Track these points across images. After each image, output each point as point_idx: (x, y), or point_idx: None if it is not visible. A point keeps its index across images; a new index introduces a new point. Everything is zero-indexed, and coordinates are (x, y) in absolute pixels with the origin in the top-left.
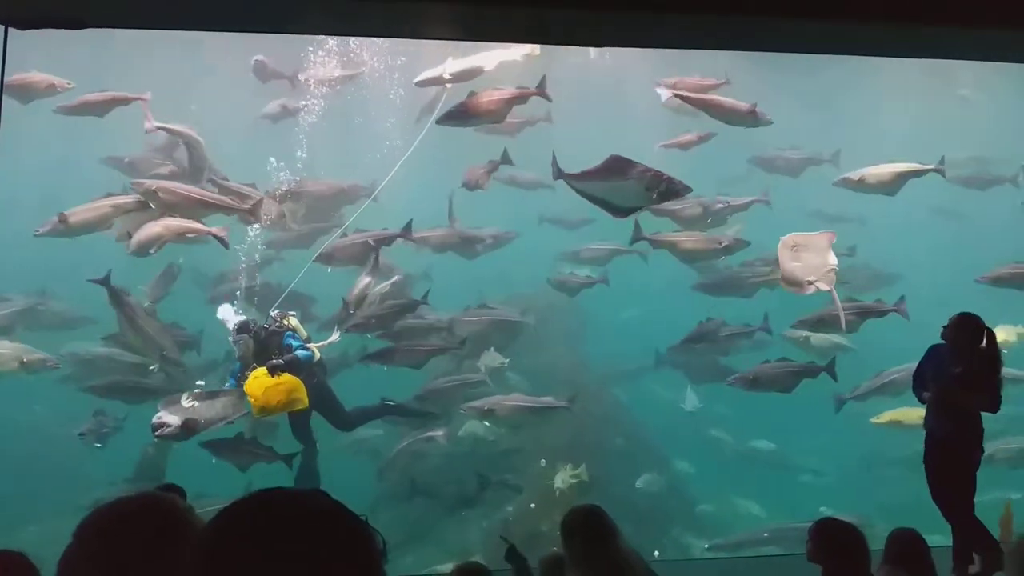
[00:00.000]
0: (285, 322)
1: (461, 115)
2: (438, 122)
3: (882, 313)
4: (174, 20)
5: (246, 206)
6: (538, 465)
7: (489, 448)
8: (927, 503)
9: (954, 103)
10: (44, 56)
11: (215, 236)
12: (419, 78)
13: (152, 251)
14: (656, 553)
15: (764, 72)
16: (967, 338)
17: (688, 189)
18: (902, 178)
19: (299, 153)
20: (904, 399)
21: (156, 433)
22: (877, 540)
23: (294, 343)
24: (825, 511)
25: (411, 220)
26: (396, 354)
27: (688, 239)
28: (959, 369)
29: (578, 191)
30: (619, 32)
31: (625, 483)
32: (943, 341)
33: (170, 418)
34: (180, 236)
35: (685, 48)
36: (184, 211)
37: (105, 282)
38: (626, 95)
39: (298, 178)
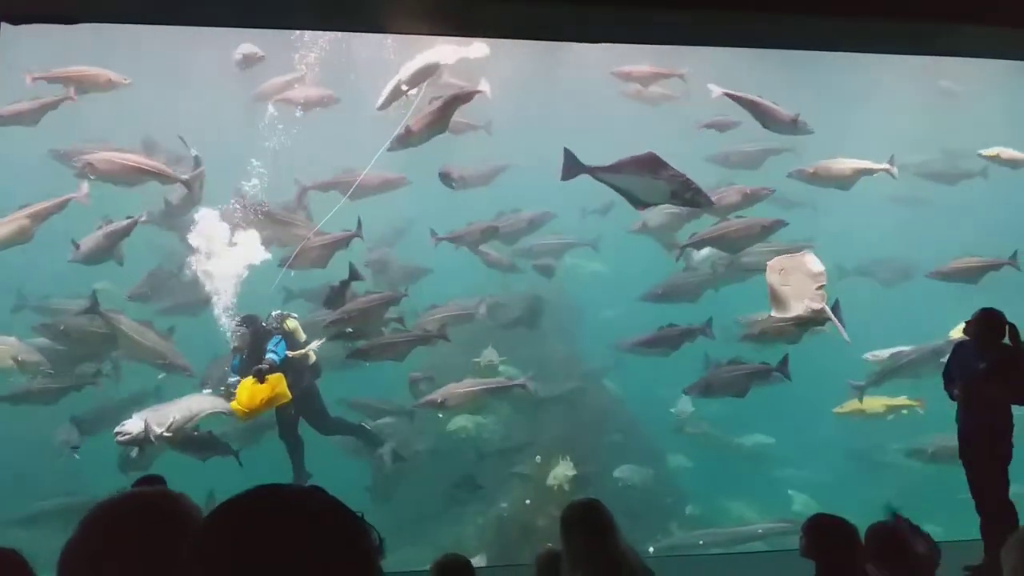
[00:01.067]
0: (285, 324)
1: (406, 138)
2: (388, 149)
3: (766, 375)
4: (166, 15)
5: (184, 176)
6: (533, 461)
7: (484, 445)
8: (914, 497)
9: (935, 95)
10: (37, 51)
11: (74, 199)
12: (379, 103)
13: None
14: (651, 549)
15: (736, 65)
16: (990, 333)
17: (711, 203)
18: (856, 174)
19: (278, 145)
20: (922, 381)
21: (117, 439)
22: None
23: (269, 347)
24: (796, 496)
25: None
26: (379, 348)
27: (731, 229)
28: (984, 364)
29: (602, 180)
30: (614, 28)
31: (619, 478)
32: (967, 337)
33: (133, 425)
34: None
35: (683, 44)
36: (121, 179)
37: (94, 308)
38: (586, 89)
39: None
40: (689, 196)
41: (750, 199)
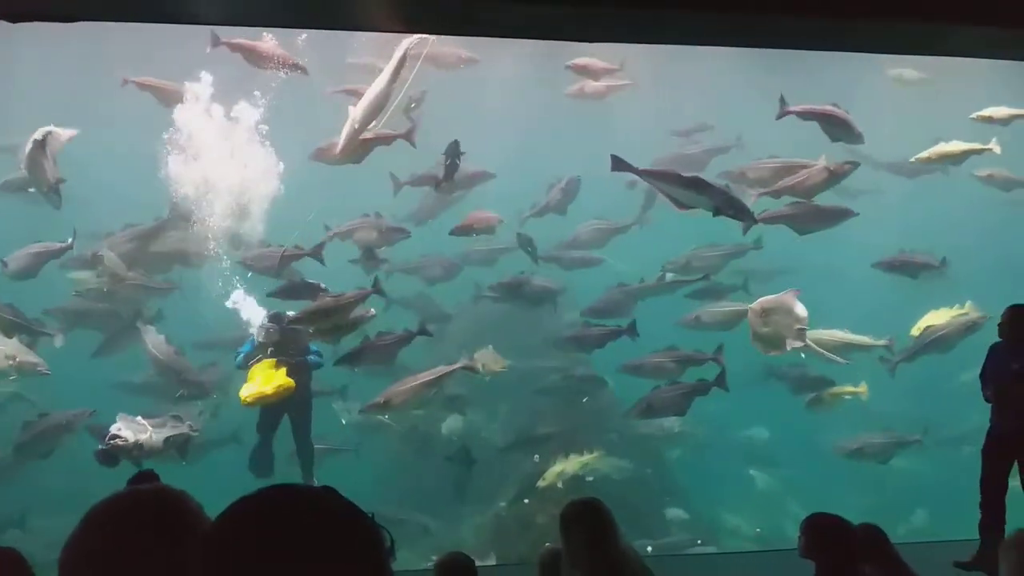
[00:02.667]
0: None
1: (324, 156)
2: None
3: (700, 362)
4: (166, 14)
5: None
6: (531, 460)
7: (484, 445)
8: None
9: (889, 87)
10: (35, 49)
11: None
12: (338, 149)
13: None
14: (649, 548)
15: (687, 62)
16: (1021, 331)
17: (754, 220)
18: (788, 172)
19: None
20: (952, 355)
21: (108, 443)
22: None
23: (312, 347)
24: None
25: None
26: (367, 352)
27: (803, 210)
28: (1017, 365)
29: (647, 181)
30: (614, 28)
31: (619, 478)
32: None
33: (126, 432)
34: None
35: (683, 44)
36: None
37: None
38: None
39: None
40: (731, 215)
41: (835, 176)
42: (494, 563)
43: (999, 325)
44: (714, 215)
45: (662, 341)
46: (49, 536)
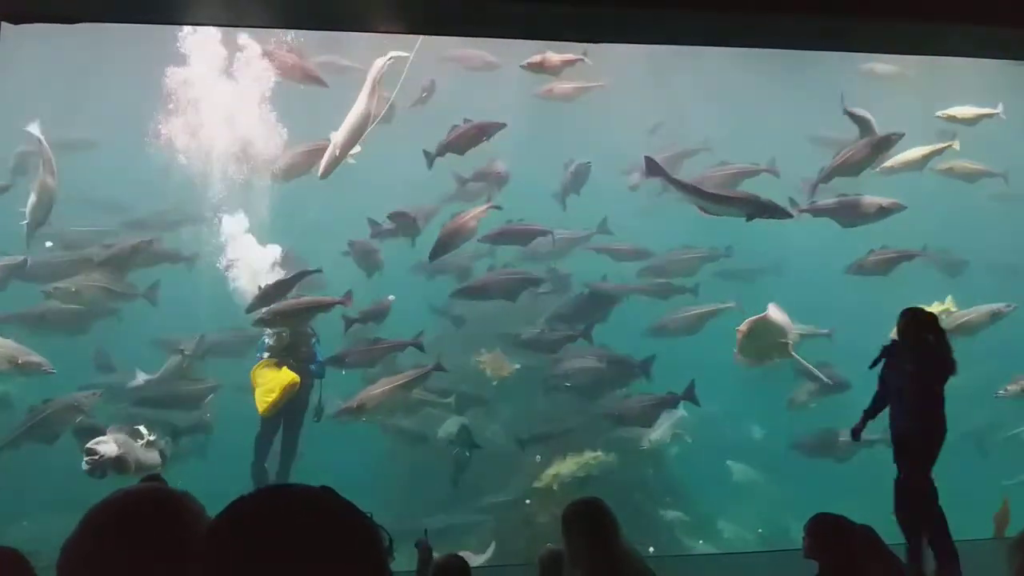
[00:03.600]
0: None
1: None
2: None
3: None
4: (169, 14)
5: None
6: (532, 461)
7: (484, 445)
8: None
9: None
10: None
11: None
12: (320, 172)
13: None
14: (651, 549)
15: (651, 61)
16: (916, 333)
17: (789, 215)
18: (736, 179)
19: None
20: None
21: (89, 457)
22: None
23: (318, 355)
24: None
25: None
26: (354, 355)
27: (850, 204)
28: (912, 367)
29: (677, 189)
30: (614, 28)
31: (619, 478)
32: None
33: (107, 448)
34: None
35: (683, 44)
36: None
37: None
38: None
39: None
40: (767, 215)
41: (879, 148)
42: (492, 554)
43: (898, 327)
44: (748, 220)
45: (629, 347)
46: (54, 532)
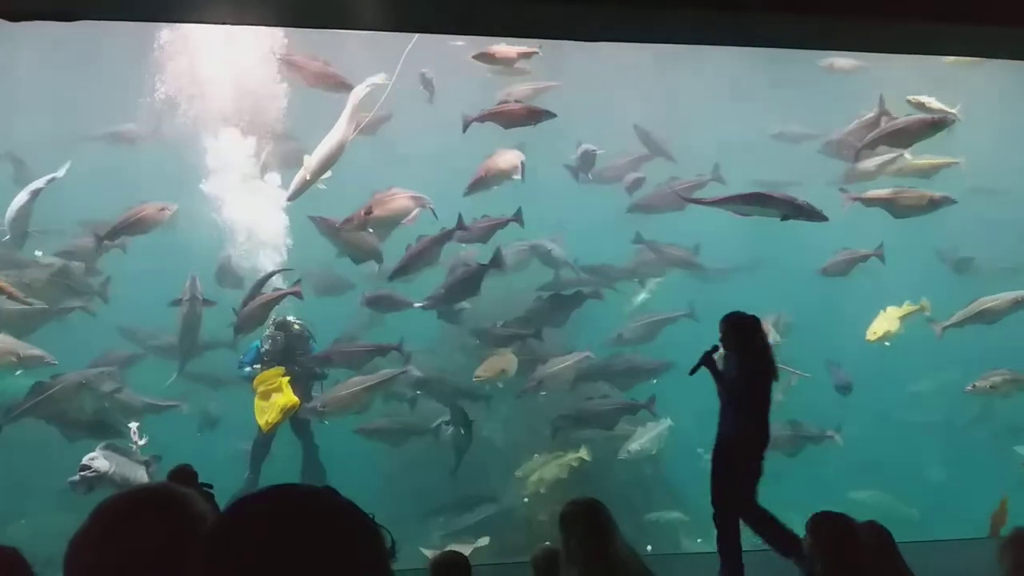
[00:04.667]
0: (294, 328)
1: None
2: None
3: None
4: (166, 12)
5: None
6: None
7: (483, 444)
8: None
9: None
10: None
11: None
12: (288, 195)
13: None
14: (649, 547)
15: (602, 63)
16: (736, 339)
17: (824, 218)
18: (689, 191)
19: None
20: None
21: (81, 473)
22: None
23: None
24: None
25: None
26: (334, 357)
27: (904, 195)
28: (736, 372)
29: (720, 207)
30: (614, 27)
31: (617, 476)
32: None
33: (100, 464)
34: None
35: (683, 44)
36: None
37: None
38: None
39: None
40: (804, 217)
41: (935, 127)
42: (486, 544)
43: (720, 332)
44: (782, 219)
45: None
46: (53, 532)
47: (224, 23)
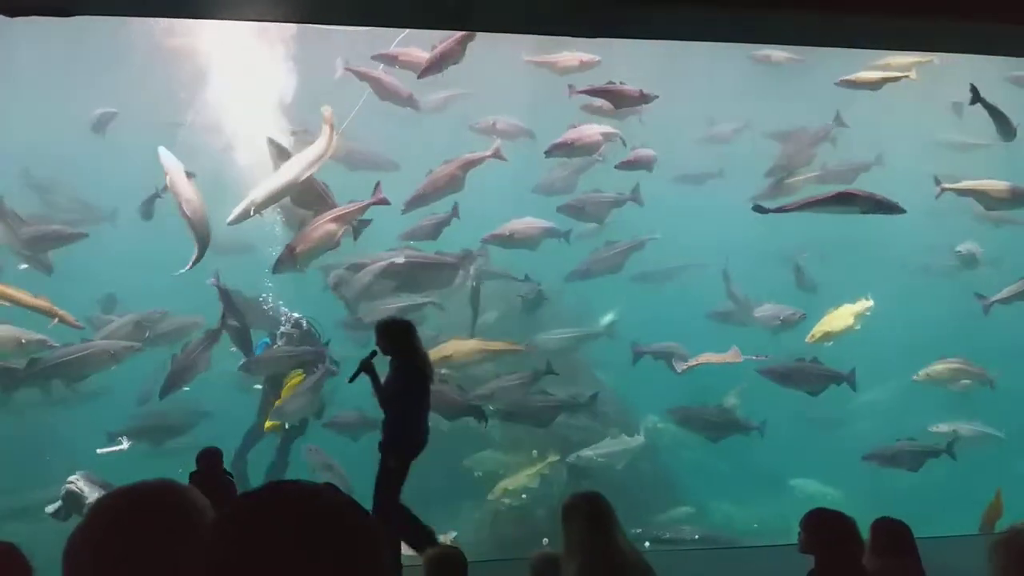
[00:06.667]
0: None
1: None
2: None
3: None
4: (161, 7)
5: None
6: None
7: (481, 442)
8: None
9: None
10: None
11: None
12: (230, 218)
13: None
14: (647, 543)
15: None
16: (387, 342)
17: (903, 211)
18: (610, 205)
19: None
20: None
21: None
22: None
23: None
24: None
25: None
26: (259, 364)
27: (996, 188)
28: (390, 375)
29: (800, 210)
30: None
31: (617, 472)
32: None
33: (87, 486)
34: None
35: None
36: None
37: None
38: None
39: None
40: (884, 211)
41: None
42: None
43: (376, 338)
44: (862, 213)
45: None
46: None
47: (220, 18)
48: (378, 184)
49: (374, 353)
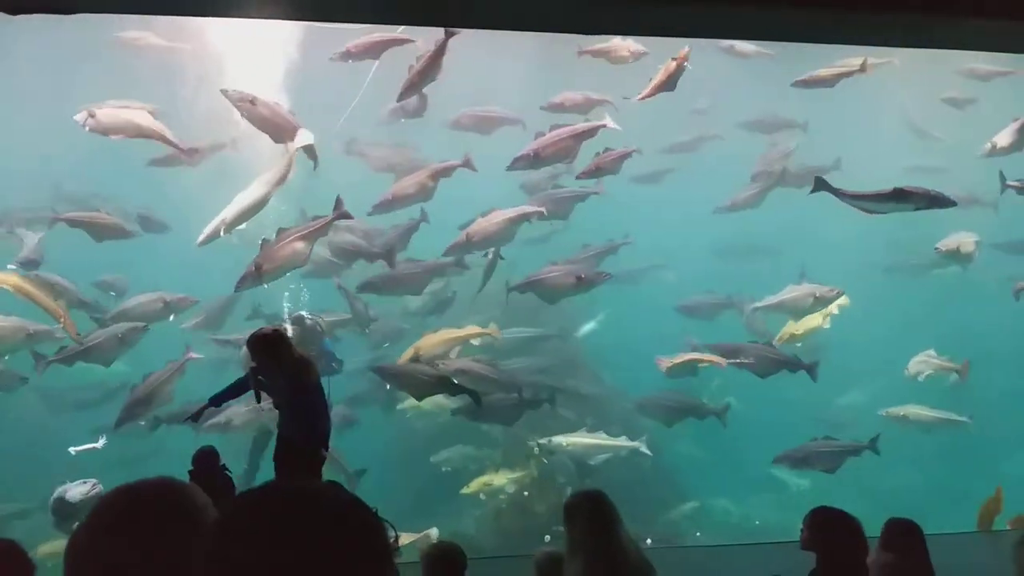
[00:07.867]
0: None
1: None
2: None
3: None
4: (166, 5)
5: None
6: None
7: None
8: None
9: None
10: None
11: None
12: (200, 239)
13: None
14: (648, 541)
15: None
16: (261, 352)
17: (954, 203)
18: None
19: None
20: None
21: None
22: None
23: (333, 350)
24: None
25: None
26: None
27: None
28: (281, 380)
29: (846, 201)
30: (613, 21)
31: (618, 468)
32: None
33: (75, 493)
34: None
35: (681, 37)
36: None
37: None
38: None
39: None
40: (937, 206)
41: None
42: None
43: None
44: (915, 209)
45: None
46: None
47: (219, 16)
48: (338, 199)
49: (255, 368)
